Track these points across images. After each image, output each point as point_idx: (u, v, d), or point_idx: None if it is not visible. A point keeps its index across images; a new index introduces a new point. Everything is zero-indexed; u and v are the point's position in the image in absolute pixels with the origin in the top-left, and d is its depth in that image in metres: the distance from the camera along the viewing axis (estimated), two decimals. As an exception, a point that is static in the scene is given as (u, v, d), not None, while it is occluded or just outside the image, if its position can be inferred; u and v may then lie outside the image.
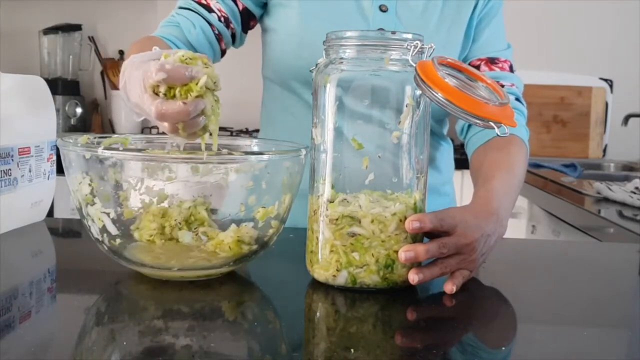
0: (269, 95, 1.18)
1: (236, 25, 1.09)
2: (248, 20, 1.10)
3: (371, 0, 1.06)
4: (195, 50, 1.04)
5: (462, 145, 1.14)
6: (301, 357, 0.60)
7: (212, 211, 0.80)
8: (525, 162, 1.00)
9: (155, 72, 0.68)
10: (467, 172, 1.08)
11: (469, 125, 1.09)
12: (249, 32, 1.14)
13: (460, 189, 2.21)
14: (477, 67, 1.10)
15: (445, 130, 1.20)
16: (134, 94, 0.73)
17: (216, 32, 1.07)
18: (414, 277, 0.74)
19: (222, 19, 1.07)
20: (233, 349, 0.62)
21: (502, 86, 1.06)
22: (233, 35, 1.10)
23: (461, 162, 1.36)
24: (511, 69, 1.11)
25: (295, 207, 0.82)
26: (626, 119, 2.59)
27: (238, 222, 0.77)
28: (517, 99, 1.10)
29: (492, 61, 1.10)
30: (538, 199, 1.97)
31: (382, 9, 1.06)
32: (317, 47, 0.81)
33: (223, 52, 1.11)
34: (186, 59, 0.71)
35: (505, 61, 1.11)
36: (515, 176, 0.93)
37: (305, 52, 1.04)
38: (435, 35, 1.07)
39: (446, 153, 1.20)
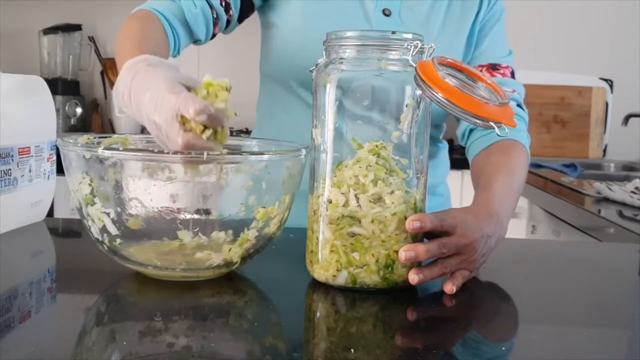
0: (266, 92, 1.18)
1: (235, 12, 1.06)
2: (247, 9, 1.08)
3: (375, 4, 1.05)
4: (190, 31, 1.01)
5: (461, 146, 1.14)
6: (301, 357, 0.60)
7: (206, 212, 0.79)
8: (526, 167, 1.00)
9: (197, 113, 0.69)
10: (466, 172, 1.08)
11: (470, 131, 1.09)
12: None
13: (460, 189, 2.21)
14: None
15: (441, 135, 1.20)
16: (155, 113, 0.72)
17: (215, 15, 1.03)
18: (414, 277, 0.74)
19: (223, 3, 1.04)
20: (233, 349, 0.62)
21: None
22: (228, 22, 1.07)
23: (460, 162, 1.36)
24: (512, 75, 1.11)
25: (295, 207, 0.82)
26: (626, 119, 2.59)
27: (238, 222, 0.77)
28: (519, 105, 1.09)
29: (493, 67, 1.10)
30: (538, 199, 1.97)
31: (386, 12, 1.05)
32: (318, 47, 0.81)
33: (213, 36, 1.07)
34: (210, 85, 0.74)
35: (506, 67, 1.11)
36: (516, 180, 0.93)
37: (305, 52, 1.03)
38: (438, 41, 1.06)
39: (442, 154, 1.21)
